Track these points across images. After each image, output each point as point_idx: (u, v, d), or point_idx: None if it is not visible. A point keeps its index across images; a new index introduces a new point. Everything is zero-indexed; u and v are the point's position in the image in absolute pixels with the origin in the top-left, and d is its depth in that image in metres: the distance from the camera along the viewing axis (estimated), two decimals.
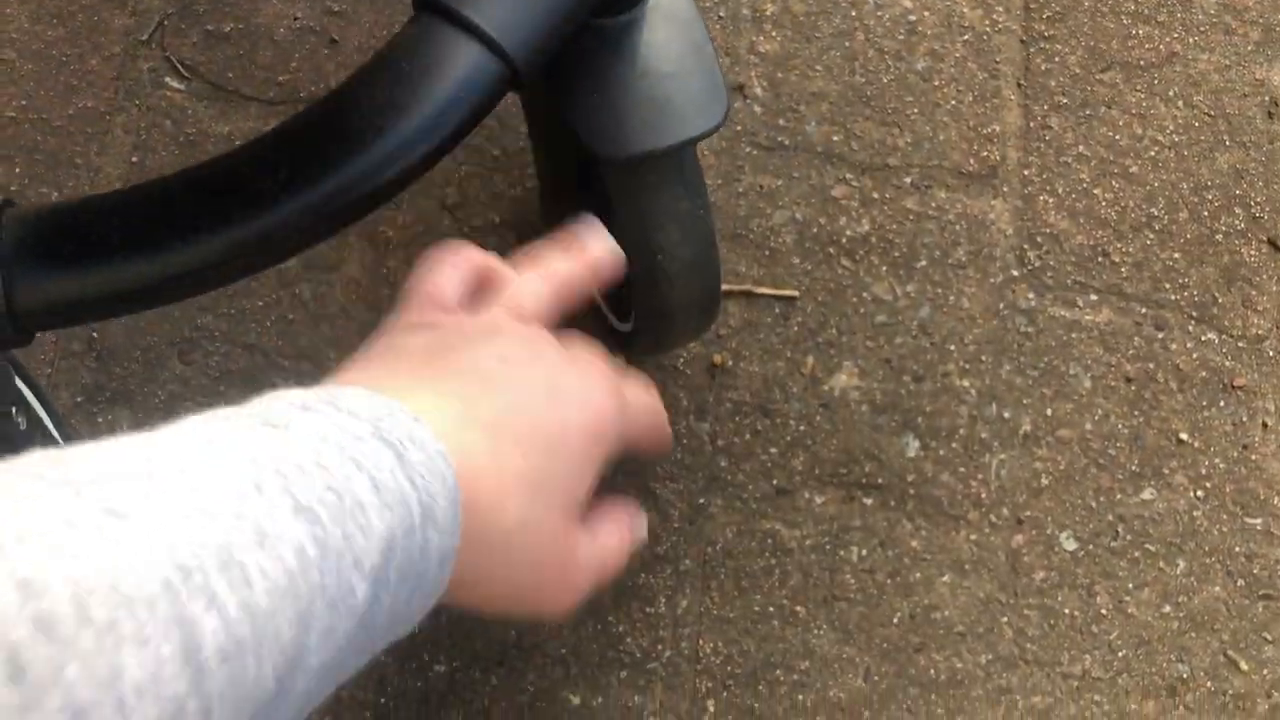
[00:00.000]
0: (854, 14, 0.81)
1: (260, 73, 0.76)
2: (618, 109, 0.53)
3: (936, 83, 0.80)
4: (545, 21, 0.47)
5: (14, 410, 0.58)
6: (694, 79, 0.54)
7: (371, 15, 0.77)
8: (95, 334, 0.70)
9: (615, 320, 0.68)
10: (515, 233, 0.74)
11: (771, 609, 0.69)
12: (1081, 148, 0.79)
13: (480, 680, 0.66)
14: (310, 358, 0.71)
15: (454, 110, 0.46)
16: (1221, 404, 0.75)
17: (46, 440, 0.62)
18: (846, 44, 0.80)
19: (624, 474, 0.70)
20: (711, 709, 0.67)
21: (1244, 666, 0.70)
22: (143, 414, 0.68)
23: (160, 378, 0.69)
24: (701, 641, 0.68)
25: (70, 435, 0.64)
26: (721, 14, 0.80)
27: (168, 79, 0.75)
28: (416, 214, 0.74)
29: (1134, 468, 0.73)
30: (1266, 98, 0.81)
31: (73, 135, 0.73)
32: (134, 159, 0.73)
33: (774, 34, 0.80)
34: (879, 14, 0.81)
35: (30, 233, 0.44)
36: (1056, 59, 0.81)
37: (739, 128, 0.77)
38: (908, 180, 0.77)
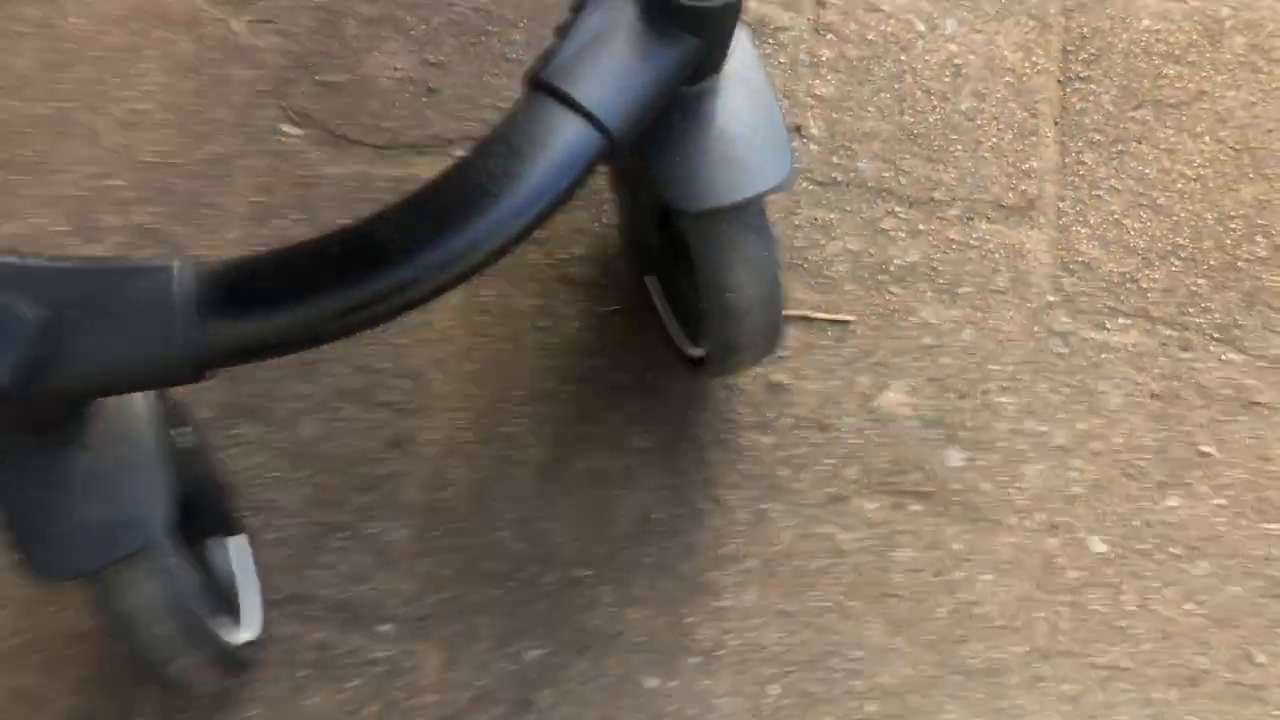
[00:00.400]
0: (904, 58, 0.88)
1: (367, 119, 0.84)
2: (695, 167, 0.61)
3: (979, 121, 0.87)
4: (638, 99, 0.55)
5: (187, 429, 0.67)
6: (762, 140, 0.62)
7: (465, 65, 0.86)
8: None
9: (688, 346, 0.76)
10: (596, 265, 0.82)
11: (828, 604, 0.77)
12: (1113, 181, 0.86)
13: (568, 664, 0.75)
14: (414, 377, 0.79)
15: (561, 180, 0.54)
16: (1242, 419, 0.81)
17: (205, 456, 0.71)
18: (896, 86, 0.87)
19: (693, 482, 0.78)
20: (773, 693, 0.75)
21: (1260, 660, 0.77)
22: (271, 428, 0.77)
23: (283, 395, 0.78)
24: (765, 632, 0.76)
25: (208, 447, 0.73)
26: (782, 60, 0.87)
27: (284, 126, 0.84)
28: None
29: (1160, 477, 0.80)
30: None
31: (202, 178, 0.83)
32: (256, 199, 0.82)
33: (830, 78, 0.87)
34: (927, 58, 0.88)
35: (207, 287, 0.52)
36: (1091, 98, 0.88)
37: (797, 165, 0.85)
38: (952, 213, 0.85)
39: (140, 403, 0.57)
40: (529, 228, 0.54)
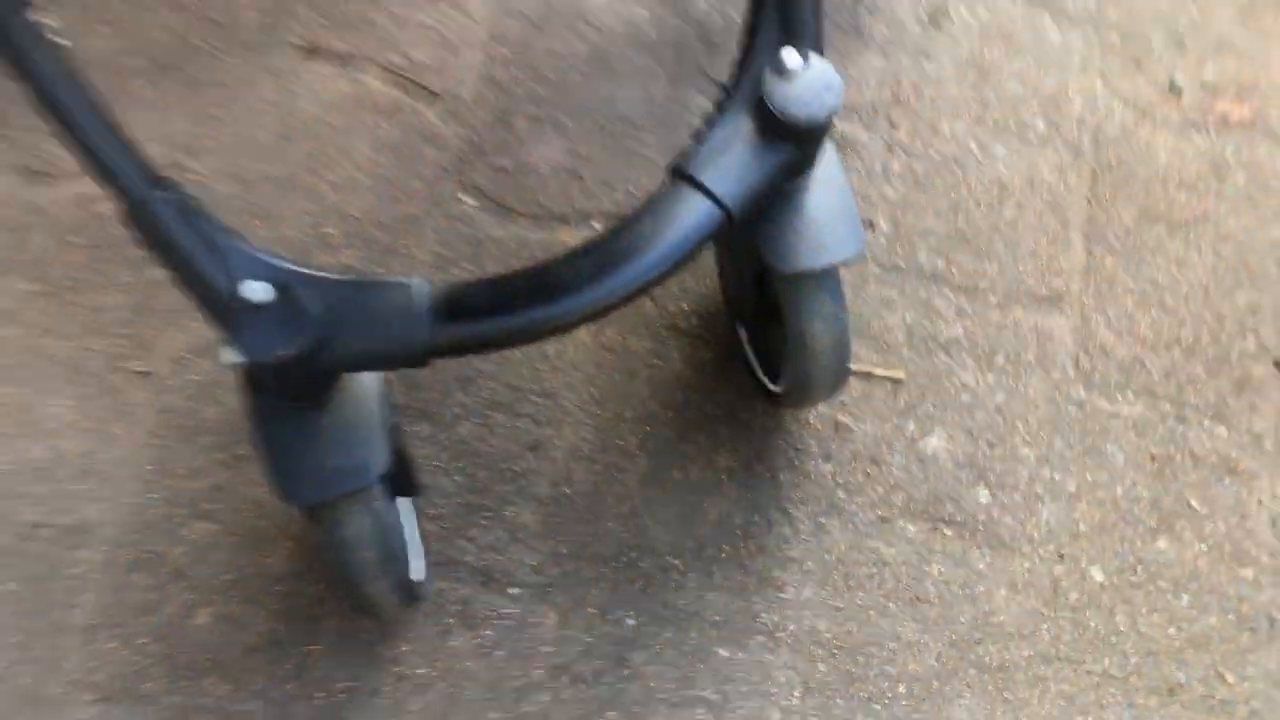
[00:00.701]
0: (959, 173, 1.08)
1: (526, 195, 1.06)
2: (791, 240, 0.81)
3: (1019, 227, 1.06)
4: (751, 189, 0.76)
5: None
6: (842, 224, 0.82)
7: (606, 158, 1.08)
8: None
9: (769, 383, 0.95)
10: (698, 318, 1.02)
11: (871, 603, 0.95)
12: (1129, 282, 1.04)
13: (657, 633, 0.93)
14: (550, 396, 1.00)
15: (691, 243, 0.74)
16: (1226, 483, 0.98)
17: (400, 433, 0.91)
18: (952, 195, 1.07)
19: (766, 496, 0.97)
20: (821, 670, 0.93)
21: (1230, 679, 0.93)
22: (437, 428, 0.98)
23: (448, 403, 0.99)
24: (818, 622, 0.94)
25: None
26: (860, 168, 1.08)
27: (463, 196, 1.06)
28: None
29: (1152, 524, 0.97)
30: None
31: (396, 232, 1.05)
32: (437, 250, 1.04)
33: (899, 185, 1.07)
34: (979, 174, 1.08)
35: (436, 300, 0.73)
36: (1114, 214, 1.07)
37: (867, 252, 1.05)
38: (993, 299, 1.04)
39: (370, 382, 0.78)
40: (666, 275, 0.75)
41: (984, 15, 1.12)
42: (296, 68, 1.08)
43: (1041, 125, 1.09)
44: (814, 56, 0.76)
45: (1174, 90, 1.10)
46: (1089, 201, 1.07)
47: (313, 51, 1.09)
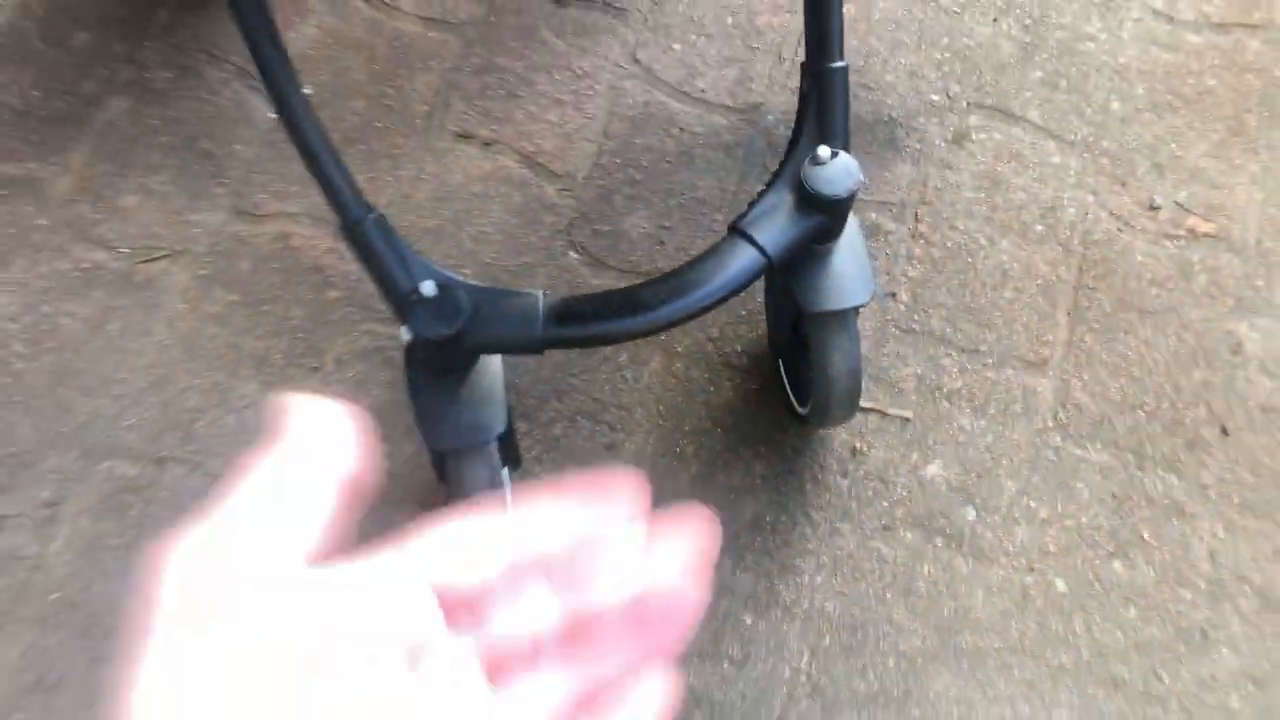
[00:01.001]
0: (970, 260, 1.33)
1: (620, 254, 1.34)
2: (817, 287, 1.07)
3: (1016, 306, 1.30)
4: (789, 245, 1.02)
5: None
6: (857, 278, 1.07)
7: (685, 229, 1.35)
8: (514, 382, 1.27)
9: (798, 406, 1.20)
10: (746, 356, 1.28)
11: (871, 592, 1.17)
12: (1104, 356, 1.27)
13: None
14: (627, 409, 1.25)
15: (742, 279, 1.01)
16: (1174, 522, 1.19)
17: (511, 411, 1.18)
18: (962, 277, 1.32)
19: (793, 501, 1.20)
20: (827, 640, 1.15)
21: (1166, 680, 1.12)
22: (534, 426, 1.24)
23: (545, 408, 1.25)
24: (827, 604, 1.16)
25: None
26: (887, 250, 1.34)
27: (570, 253, 1.34)
28: (691, 340, 1.29)
29: (1110, 549, 1.18)
30: (1233, 341, 1.28)
31: (517, 275, 1.33)
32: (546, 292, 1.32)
33: (919, 266, 1.33)
34: (986, 262, 1.33)
35: (551, 306, 1.00)
36: (1095, 301, 1.30)
37: (889, 318, 1.30)
38: (990, 361, 1.28)
39: (496, 368, 1.05)
40: (720, 302, 1.01)
41: (999, 138, 1.38)
42: (452, 148, 1.39)
43: (1040, 227, 1.34)
44: (842, 152, 1.02)
45: (1153, 207, 1.34)
46: (1075, 290, 1.31)
47: (465, 137, 1.39)
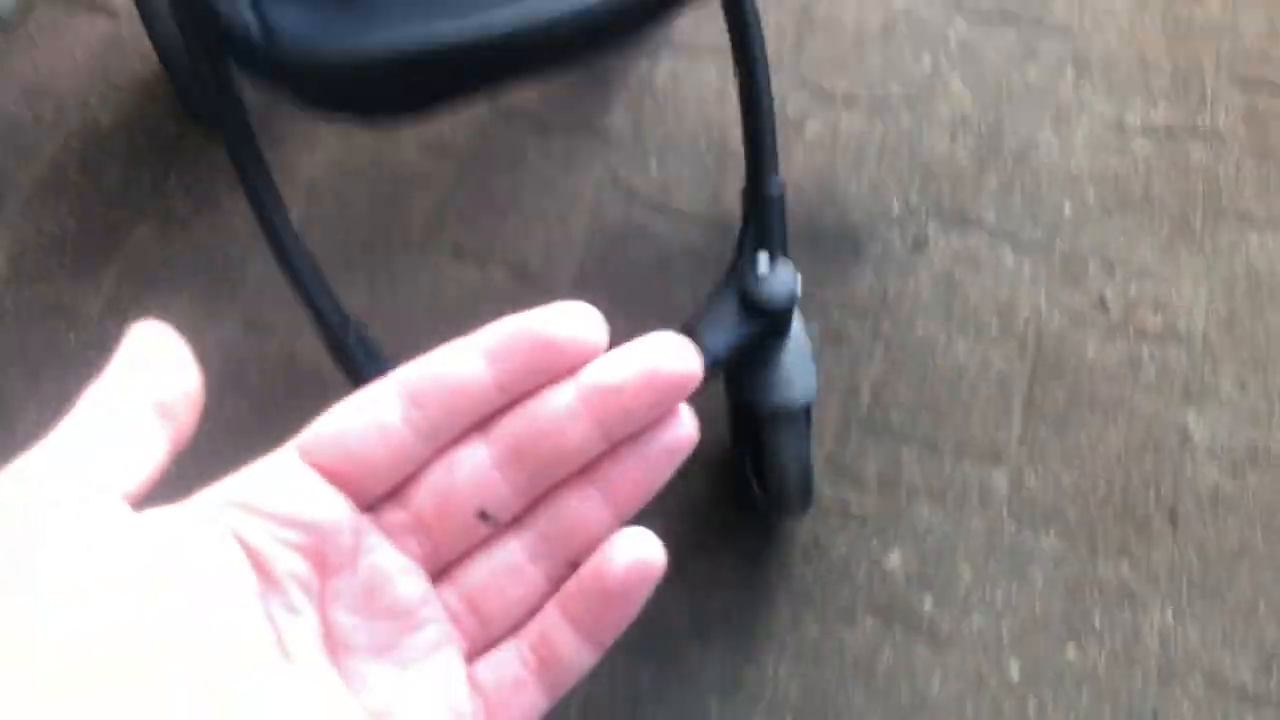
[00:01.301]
0: (929, 362, 1.40)
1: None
2: (765, 386, 1.15)
3: (973, 402, 1.37)
4: (731, 346, 1.11)
5: None
6: (799, 378, 1.15)
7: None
8: None
9: (760, 492, 1.27)
10: (716, 452, 1.35)
11: (831, 677, 1.22)
12: (1056, 448, 1.33)
13: (664, 686, 1.22)
14: None
15: None
16: (1126, 606, 1.24)
17: None
18: (921, 375, 1.39)
19: (765, 578, 1.26)
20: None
21: None
22: None
23: None
24: (790, 687, 1.22)
25: None
26: (849, 355, 1.42)
27: None
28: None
29: (1063, 635, 1.23)
30: (1182, 431, 1.33)
31: None
32: None
33: (880, 366, 1.40)
34: (944, 360, 1.40)
35: None
36: (1049, 395, 1.37)
37: (851, 415, 1.37)
38: (948, 454, 1.34)
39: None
40: None
41: (956, 244, 1.47)
42: (445, 262, 1.50)
43: (995, 326, 1.41)
44: (780, 260, 1.12)
45: (1103, 304, 1.41)
46: (1029, 385, 1.38)
47: (459, 253, 1.51)
